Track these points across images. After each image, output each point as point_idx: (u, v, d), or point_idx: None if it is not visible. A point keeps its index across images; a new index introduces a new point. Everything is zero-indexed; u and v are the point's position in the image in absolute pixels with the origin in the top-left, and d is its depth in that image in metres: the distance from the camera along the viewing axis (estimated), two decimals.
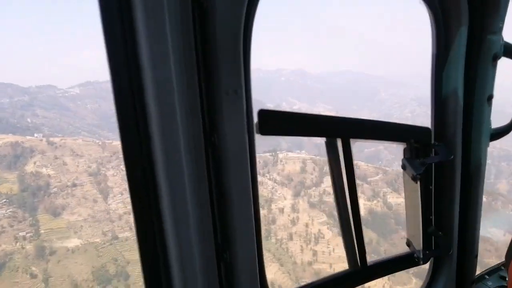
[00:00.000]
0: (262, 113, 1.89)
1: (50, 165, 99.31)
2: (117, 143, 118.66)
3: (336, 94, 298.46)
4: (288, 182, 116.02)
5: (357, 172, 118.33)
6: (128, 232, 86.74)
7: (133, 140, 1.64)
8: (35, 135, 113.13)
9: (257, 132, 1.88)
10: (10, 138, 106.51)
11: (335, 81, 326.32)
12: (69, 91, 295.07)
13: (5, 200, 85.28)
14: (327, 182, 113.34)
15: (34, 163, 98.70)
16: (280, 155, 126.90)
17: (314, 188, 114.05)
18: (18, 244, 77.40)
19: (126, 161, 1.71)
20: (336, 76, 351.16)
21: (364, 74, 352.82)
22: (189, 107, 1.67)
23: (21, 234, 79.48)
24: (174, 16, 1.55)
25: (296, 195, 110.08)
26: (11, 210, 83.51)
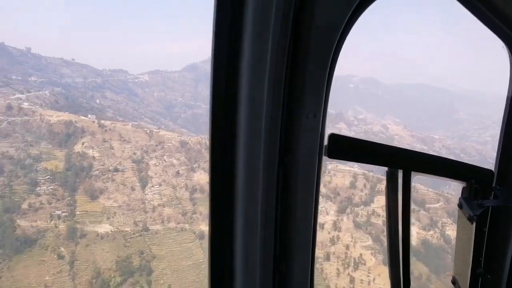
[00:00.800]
0: (333, 137, 1.96)
1: (97, 147, 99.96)
2: (164, 133, 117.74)
3: (408, 108, 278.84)
4: (333, 196, 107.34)
5: (414, 195, 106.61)
6: (159, 225, 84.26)
7: (221, 145, 1.80)
8: (89, 116, 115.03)
9: (324, 154, 1.95)
10: (65, 116, 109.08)
11: (408, 93, 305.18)
12: (138, 77, 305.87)
13: (48, 176, 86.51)
14: (378, 202, 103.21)
15: (83, 143, 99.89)
16: (329, 166, 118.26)
17: (362, 206, 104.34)
18: (52, 222, 77.70)
19: (212, 164, 1.85)
20: (409, 88, 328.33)
21: (442, 89, 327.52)
22: (272, 126, 1.77)
23: (57, 212, 79.87)
24: (275, 42, 1.67)
25: (341, 211, 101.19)
26: (52, 187, 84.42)
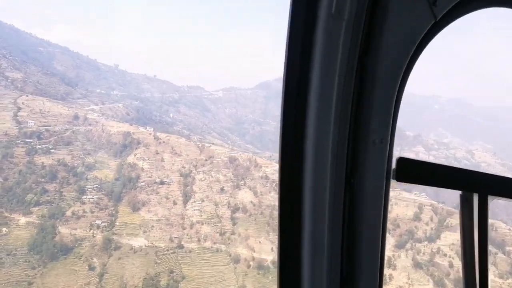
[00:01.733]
0: (401, 161, 1.94)
1: (148, 159, 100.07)
2: (215, 148, 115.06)
3: (502, 133, 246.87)
4: (393, 227, 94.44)
5: (492, 235, 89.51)
6: (194, 244, 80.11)
7: (290, 168, 1.82)
8: (147, 128, 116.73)
9: (393, 178, 1.95)
10: (124, 127, 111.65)
11: (503, 117, 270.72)
12: (213, 94, 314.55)
13: (97, 185, 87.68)
14: (446, 239, 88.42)
15: (135, 154, 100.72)
16: (392, 193, 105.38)
17: (426, 243, 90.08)
18: (91, 231, 77.71)
19: (281, 185, 1.86)
20: (505, 111, 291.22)
21: None
22: (339, 151, 1.81)
23: (97, 222, 79.93)
24: (343, 69, 1.73)
25: (399, 246, 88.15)
26: (97, 196, 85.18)
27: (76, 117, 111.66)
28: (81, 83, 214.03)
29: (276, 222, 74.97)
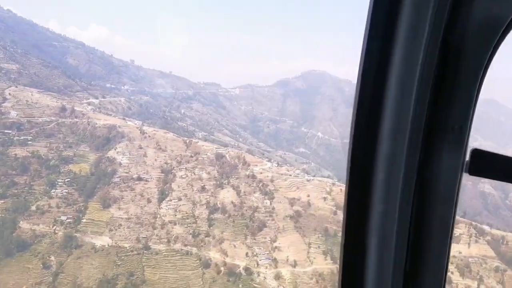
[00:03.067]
0: (476, 152, 1.79)
1: (129, 154, 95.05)
2: (203, 144, 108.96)
3: None
4: None
5: (502, 249, 78.99)
6: (163, 245, 74.11)
7: (360, 153, 1.77)
8: (136, 122, 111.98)
9: (465, 171, 1.82)
10: (111, 120, 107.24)
11: None
12: (230, 91, 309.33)
13: (69, 179, 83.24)
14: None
15: (115, 149, 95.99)
16: None
17: None
18: (53, 227, 73.13)
19: (351, 167, 1.80)
20: None
21: None
22: (414, 137, 1.72)
23: (62, 217, 75.30)
24: (424, 53, 1.65)
25: None
26: (67, 191, 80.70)
27: (63, 109, 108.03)
28: (91, 78, 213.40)
29: (256, 225, 67.29)
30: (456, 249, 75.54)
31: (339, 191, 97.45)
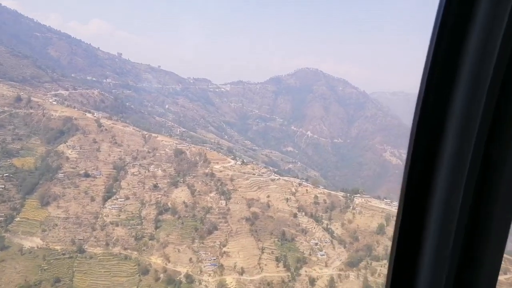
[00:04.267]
0: None
1: (80, 148, 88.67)
2: (162, 138, 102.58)
3: None
4: (349, 241, 79.44)
5: None
6: (100, 248, 67.80)
7: (424, 135, 1.76)
8: (95, 114, 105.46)
9: None
10: (67, 112, 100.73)
11: None
12: (220, 87, 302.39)
13: (7, 174, 76.84)
14: None
15: (65, 142, 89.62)
16: (357, 200, 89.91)
17: (384, 261, 74.70)
18: None
19: (411, 156, 1.80)
20: None
21: None
22: (480, 133, 1.68)
23: None
24: (505, 31, 1.59)
25: (352, 264, 73.24)
26: (4, 186, 74.30)
27: (19, 99, 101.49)
28: (72, 69, 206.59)
29: (206, 227, 60.54)
30: None
31: (305, 191, 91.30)
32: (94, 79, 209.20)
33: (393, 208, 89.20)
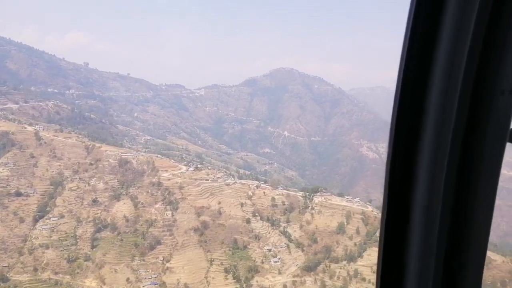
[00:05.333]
0: None
1: (14, 165, 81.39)
2: (106, 148, 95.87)
3: None
4: (307, 243, 74.20)
5: None
6: (27, 275, 60.94)
7: (408, 115, 1.74)
8: (36, 127, 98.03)
9: (509, 141, 1.75)
10: (4, 126, 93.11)
11: None
12: (194, 92, 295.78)
13: None
14: (370, 258, 67.76)
15: None
16: (317, 199, 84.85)
17: (344, 263, 69.63)
18: None
19: (396, 135, 1.78)
20: None
21: None
22: (460, 99, 1.67)
23: None
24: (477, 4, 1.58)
25: (309, 268, 67.93)
26: None
27: None
28: (32, 82, 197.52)
29: (148, 242, 54.28)
30: None
31: (262, 194, 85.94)
32: (55, 90, 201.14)
33: (355, 204, 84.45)
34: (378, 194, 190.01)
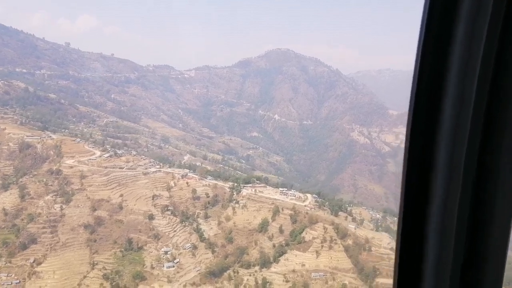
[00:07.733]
0: None
1: None
2: (10, 131, 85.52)
3: None
4: (221, 243, 63.15)
5: None
6: None
7: (423, 123, 1.70)
8: None
9: None
10: None
11: None
12: (184, 73, 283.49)
13: None
14: (287, 263, 56.58)
15: None
16: (245, 191, 73.41)
17: (256, 268, 58.48)
18: None
19: (410, 144, 1.75)
20: None
21: None
22: (475, 110, 1.63)
23: None
24: (483, 48, 1.58)
25: (212, 274, 56.98)
26: None
27: None
28: (0, 62, 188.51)
29: (20, 241, 43.58)
30: None
31: (185, 185, 74.93)
32: (24, 70, 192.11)
33: (288, 198, 72.76)
34: (365, 181, 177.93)
